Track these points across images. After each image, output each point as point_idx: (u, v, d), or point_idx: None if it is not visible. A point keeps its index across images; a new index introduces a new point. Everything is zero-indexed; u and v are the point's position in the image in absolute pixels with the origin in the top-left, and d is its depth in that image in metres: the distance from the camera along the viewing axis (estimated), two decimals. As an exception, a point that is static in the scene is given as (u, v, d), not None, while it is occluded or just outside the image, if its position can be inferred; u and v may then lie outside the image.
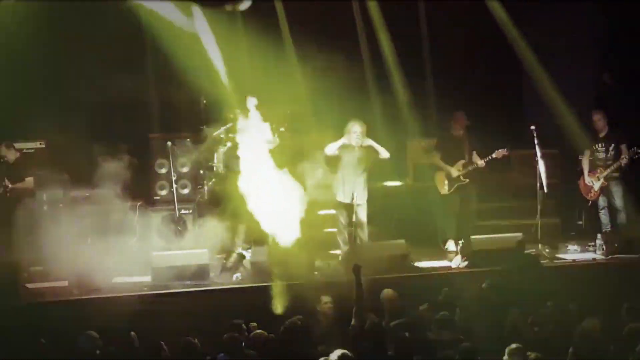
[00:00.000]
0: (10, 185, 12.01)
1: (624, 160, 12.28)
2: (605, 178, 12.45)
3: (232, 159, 12.31)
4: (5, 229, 11.76)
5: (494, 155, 12.31)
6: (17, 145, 12.71)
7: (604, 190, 12.52)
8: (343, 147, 11.74)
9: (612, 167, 12.39)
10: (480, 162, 12.33)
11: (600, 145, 12.53)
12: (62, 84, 13.62)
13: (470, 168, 12.42)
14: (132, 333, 8.31)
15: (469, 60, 14.34)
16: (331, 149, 11.74)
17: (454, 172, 12.44)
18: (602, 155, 12.52)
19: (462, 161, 12.45)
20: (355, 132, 11.69)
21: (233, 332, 8.31)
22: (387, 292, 9.21)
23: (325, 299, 9.51)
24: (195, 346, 8.22)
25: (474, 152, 12.50)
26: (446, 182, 12.51)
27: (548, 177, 12.13)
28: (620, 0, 13.59)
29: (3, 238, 11.65)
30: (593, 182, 12.54)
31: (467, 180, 12.45)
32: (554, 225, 13.17)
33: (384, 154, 11.80)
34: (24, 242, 11.46)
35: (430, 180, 12.93)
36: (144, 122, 13.75)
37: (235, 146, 12.22)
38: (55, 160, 12.85)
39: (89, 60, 13.52)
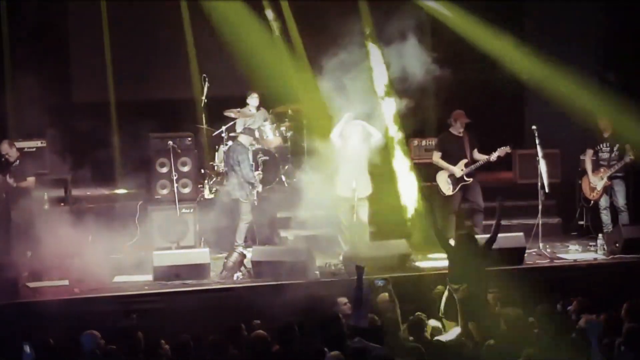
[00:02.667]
0: (15, 184, 11.96)
1: (629, 159, 12.29)
2: (609, 177, 12.45)
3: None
4: (5, 228, 11.77)
5: (497, 153, 12.25)
6: (19, 144, 12.70)
7: (607, 190, 12.53)
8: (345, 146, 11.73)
9: (618, 167, 12.38)
10: (493, 157, 12.17)
11: (604, 144, 12.52)
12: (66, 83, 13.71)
13: (474, 166, 12.32)
14: (139, 333, 8.29)
15: (470, 59, 14.31)
16: (336, 134, 11.70)
17: (457, 171, 12.40)
18: (606, 154, 12.50)
19: (465, 160, 12.39)
20: (354, 133, 11.66)
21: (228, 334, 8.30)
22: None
23: (343, 299, 9.48)
24: (195, 345, 8.21)
25: (475, 150, 12.47)
26: (450, 182, 12.46)
27: (549, 176, 12.14)
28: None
29: (3, 237, 11.66)
30: (597, 182, 12.54)
31: (471, 179, 12.43)
32: (555, 225, 13.17)
33: (376, 135, 11.75)
34: (24, 241, 11.44)
35: (431, 179, 12.90)
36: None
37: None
38: (57, 159, 12.87)
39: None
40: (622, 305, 8.50)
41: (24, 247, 11.42)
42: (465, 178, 12.35)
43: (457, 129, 12.46)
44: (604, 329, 7.86)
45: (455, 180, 12.38)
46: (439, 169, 12.53)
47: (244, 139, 12.49)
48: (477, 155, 12.40)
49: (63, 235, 11.21)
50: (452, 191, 12.39)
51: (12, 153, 12.08)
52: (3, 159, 12.05)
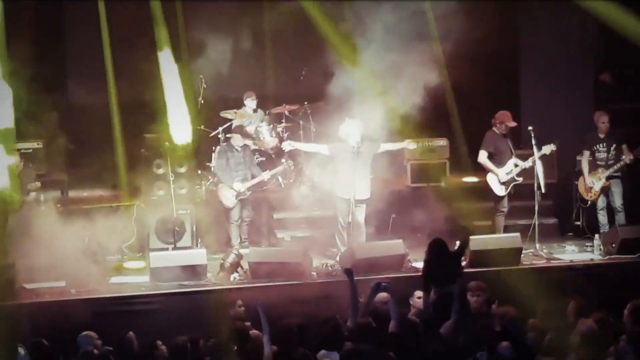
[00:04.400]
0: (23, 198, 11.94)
1: (628, 160, 12.31)
2: (607, 178, 12.47)
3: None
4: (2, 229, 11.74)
5: (542, 152, 12.09)
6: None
7: (604, 191, 12.54)
8: (339, 146, 11.72)
9: (616, 167, 12.41)
10: (539, 155, 12.01)
11: (601, 145, 12.55)
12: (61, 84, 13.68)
13: (522, 167, 12.22)
14: (131, 333, 8.30)
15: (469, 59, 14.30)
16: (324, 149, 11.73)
17: (503, 175, 12.28)
18: (603, 155, 12.54)
19: (513, 160, 12.28)
20: (353, 134, 11.62)
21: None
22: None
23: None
24: (193, 346, 8.21)
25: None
26: (502, 182, 12.34)
27: (545, 177, 12.14)
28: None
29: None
30: (594, 182, 12.56)
31: (522, 178, 12.33)
32: (552, 225, 13.18)
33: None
34: (21, 242, 11.42)
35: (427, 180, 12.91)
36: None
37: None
38: (53, 160, 12.85)
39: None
40: (619, 306, 8.52)
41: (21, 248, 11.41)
42: (516, 178, 12.31)
43: (500, 130, 12.40)
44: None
45: (507, 180, 12.33)
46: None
47: (233, 139, 12.53)
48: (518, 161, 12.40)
49: (59, 237, 11.21)
50: (506, 191, 12.34)
51: (21, 165, 12.08)
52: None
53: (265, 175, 12.55)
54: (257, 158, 13.45)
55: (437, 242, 9.38)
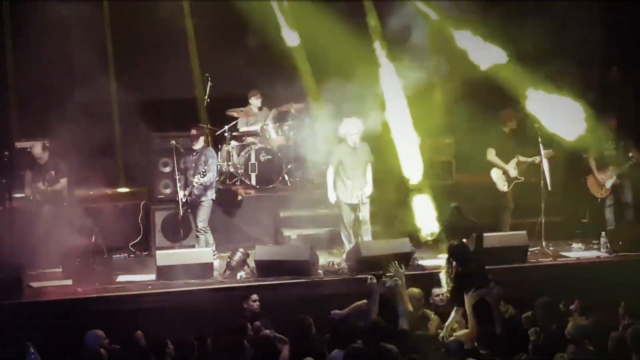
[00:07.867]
0: (49, 188, 11.95)
1: (634, 159, 12.35)
2: (618, 175, 12.48)
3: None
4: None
5: (542, 155, 12.13)
6: (22, 144, 12.70)
7: (614, 187, 12.55)
8: (341, 149, 11.70)
9: (627, 165, 12.44)
10: (538, 159, 12.15)
11: (610, 142, 12.58)
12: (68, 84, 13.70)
13: (525, 166, 12.41)
14: (138, 332, 8.31)
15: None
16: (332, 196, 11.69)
17: (512, 170, 12.44)
18: (612, 152, 12.57)
19: (516, 159, 12.45)
20: (352, 133, 11.63)
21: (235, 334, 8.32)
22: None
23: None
24: (199, 345, 8.23)
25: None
26: (504, 179, 12.48)
27: (552, 175, 12.15)
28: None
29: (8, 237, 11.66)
30: (605, 180, 12.56)
31: (523, 178, 12.47)
32: (558, 223, 13.16)
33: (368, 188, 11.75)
34: (28, 241, 11.45)
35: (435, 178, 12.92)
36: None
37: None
38: (60, 158, 12.86)
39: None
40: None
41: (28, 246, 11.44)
42: (518, 176, 12.41)
43: (507, 128, 12.55)
44: None
45: (509, 177, 12.43)
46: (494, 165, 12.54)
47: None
48: (520, 156, 12.51)
49: (66, 235, 11.23)
50: (508, 188, 12.46)
51: (44, 157, 12.09)
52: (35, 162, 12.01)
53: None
54: (263, 156, 13.45)
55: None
